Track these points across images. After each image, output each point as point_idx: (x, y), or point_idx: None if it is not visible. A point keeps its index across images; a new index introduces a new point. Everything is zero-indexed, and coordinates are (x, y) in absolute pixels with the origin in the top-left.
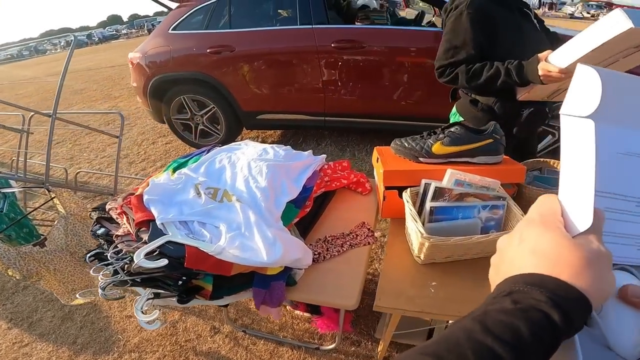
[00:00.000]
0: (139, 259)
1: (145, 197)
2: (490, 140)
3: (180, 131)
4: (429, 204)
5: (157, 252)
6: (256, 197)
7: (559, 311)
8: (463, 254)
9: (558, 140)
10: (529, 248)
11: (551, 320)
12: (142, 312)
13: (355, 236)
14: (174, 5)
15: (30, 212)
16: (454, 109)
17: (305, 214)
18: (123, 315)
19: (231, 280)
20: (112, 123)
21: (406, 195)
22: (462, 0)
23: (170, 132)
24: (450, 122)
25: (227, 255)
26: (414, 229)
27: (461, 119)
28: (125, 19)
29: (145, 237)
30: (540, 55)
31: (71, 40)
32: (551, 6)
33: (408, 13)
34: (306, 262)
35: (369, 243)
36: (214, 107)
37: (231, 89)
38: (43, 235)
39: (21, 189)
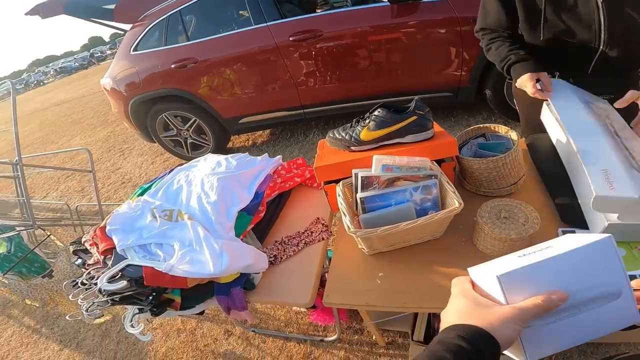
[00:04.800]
0: (102, 283)
1: (107, 228)
2: (414, 118)
3: (172, 148)
4: (358, 195)
5: (119, 275)
6: (207, 212)
7: (467, 342)
8: (406, 241)
9: None
10: (452, 310)
11: (464, 349)
12: (131, 325)
13: (310, 233)
14: (127, 26)
15: (31, 251)
16: None
17: (259, 219)
18: (149, 328)
19: (195, 290)
20: (114, 149)
21: (339, 188)
22: None
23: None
24: None
25: (177, 271)
26: (345, 223)
27: None
28: (106, 39)
29: (110, 263)
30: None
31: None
32: None
33: None
34: (260, 267)
35: (323, 239)
36: (196, 120)
37: (207, 99)
38: (51, 267)
39: (14, 233)
